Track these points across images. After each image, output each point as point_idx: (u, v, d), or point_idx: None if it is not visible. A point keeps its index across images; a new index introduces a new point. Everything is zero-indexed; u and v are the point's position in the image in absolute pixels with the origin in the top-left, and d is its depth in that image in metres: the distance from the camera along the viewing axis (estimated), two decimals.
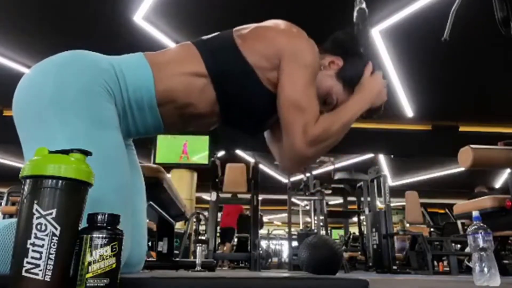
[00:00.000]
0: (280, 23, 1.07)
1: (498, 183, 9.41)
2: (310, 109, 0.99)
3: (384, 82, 1.14)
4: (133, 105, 0.97)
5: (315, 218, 6.18)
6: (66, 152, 0.60)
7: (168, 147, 6.94)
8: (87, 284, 0.55)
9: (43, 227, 0.54)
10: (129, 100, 0.96)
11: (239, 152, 8.27)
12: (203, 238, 4.42)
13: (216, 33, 1.09)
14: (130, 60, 1.00)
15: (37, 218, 0.54)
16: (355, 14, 1.25)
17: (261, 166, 5.78)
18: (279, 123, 1.11)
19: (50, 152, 0.60)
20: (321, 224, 5.98)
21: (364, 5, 1.26)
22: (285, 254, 10.35)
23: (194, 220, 4.90)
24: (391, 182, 9.79)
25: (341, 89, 1.12)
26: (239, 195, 5.38)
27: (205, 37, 1.08)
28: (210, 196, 4.85)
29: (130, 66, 0.98)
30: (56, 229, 0.55)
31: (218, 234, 6.54)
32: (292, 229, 5.39)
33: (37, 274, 0.53)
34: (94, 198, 0.77)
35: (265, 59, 1.01)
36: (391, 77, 5.60)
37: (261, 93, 1.03)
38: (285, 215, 6.54)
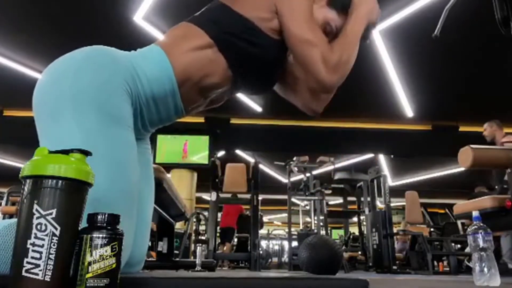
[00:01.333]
0: None
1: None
2: (320, 39, 1.02)
3: None
4: (156, 95, 0.98)
5: (315, 218, 6.18)
6: (66, 152, 0.60)
7: (168, 147, 6.95)
8: (87, 284, 0.55)
9: (43, 227, 0.54)
10: (152, 90, 0.97)
11: (239, 152, 8.27)
12: (203, 238, 4.42)
13: (204, 8, 1.11)
14: (145, 51, 1.02)
15: (37, 218, 0.54)
16: None
17: (261, 166, 5.78)
18: (287, 71, 1.16)
19: (50, 152, 0.60)
20: (321, 224, 5.98)
21: None
22: (285, 254, 10.35)
23: (194, 220, 4.90)
24: (391, 182, 9.79)
25: (336, 16, 1.14)
26: (239, 195, 5.38)
27: (196, 14, 1.10)
28: (210, 196, 4.85)
29: (147, 56, 0.99)
30: (56, 229, 0.55)
31: (218, 234, 6.54)
32: (292, 229, 5.39)
33: (37, 274, 0.53)
34: (102, 196, 0.77)
35: (262, 10, 1.04)
36: (391, 77, 5.60)
37: (268, 43, 1.05)
38: (285, 215, 6.55)
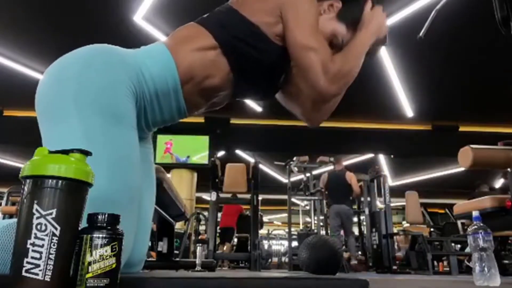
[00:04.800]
0: None
1: (498, 183, 9.41)
2: (322, 48, 1.02)
3: (384, 14, 1.16)
4: (159, 92, 0.98)
5: (315, 218, 6.18)
6: (66, 152, 0.60)
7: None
8: (87, 284, 0.55)
9: (43, 227, 0.54)
10: (156, 88, 0.97)
11: (239, 152, 8.27)
12: (203, 238, 4.42)
13: (213, 10, 1.11)
14: (149, 48, 1.02)
15: (37, 218, 0.54)
16: None
17: (261, 166, 5.78)
18: (289, 78, 1.15)
19: (50, 152, 0.60)
20: (321, 224, 5.98)
21: None
22: (285, 254, 10.35)
23: (194, 220, 4.90)
24: (391, 182, 9.79)
25: (344, 29, 1.13)
26: (239, 195, 5.38)
27: (205, 15, 1.10)
28: (210, 196, 4.85)
29: (152, 54, 0.99)
30: (56, 229, 0.55)
31: (218, 234, 6.54)
32: (292, 229, 5.39)
33: (37, 274, 0.53)
34: (103, 196, 0.77)
35: (267, 14, 1.04)
36: (391, 77, 5.61)
37: (271, 49, 1.05)
38: (285, 215, 6.55)
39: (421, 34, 1.57)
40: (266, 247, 10.14)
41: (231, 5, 1.07)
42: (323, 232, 5.87)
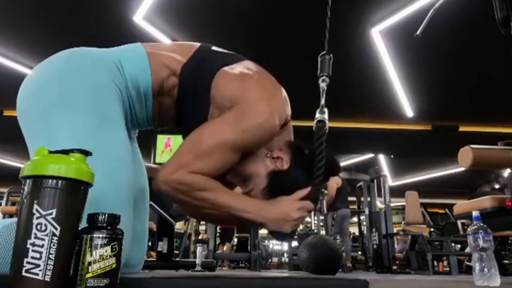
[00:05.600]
0: (263, 82, 0.98)
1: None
2: (205, 161, 0.87)
3: (301, 215, 0.96)
4: (133, 93, 0.98)
5: (315, 218, 6.17)
6: (66, 152, 0.60)
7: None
8: (87, 284, 0.55)
9: (43, 227, 0.54)
10: (130, 88, 0.97)
11: None
12: (203, 238, 4.42)
13: (219, 51, 1.06)
14: (128, 48, 1.01)
15: (37, 218, 0.54)
16: (314, 126, 1.09)
17: None
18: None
19: (50, 152, 0.60)
20: (321, 224, 5.98)
21: (324, 117, 1.09)
22: (285, 254, 10.34)
23: (194, 220, 4.89)
24: (391, 182, 9.79)
25: (263, 185, 0.97)
26: None
27: (213, 48, 1.07)
28: None
29: (129, 55, 0.99)
30: (56, 229, 0.55)
31: (218, 234, 6.54)
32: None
33: (37, 274, 0.53)
34: (96, 197, 0.77)
35: (223, 100, 0.94)
36: (391, 77, 5.60)
37: (200, 122, 0.95)
38: None
39: (418, 32, 1.57)
40: (265, 247, 10.14)
41: (217, 71, 0.98)
42: (323, 232, 5.86)
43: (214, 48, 1.07)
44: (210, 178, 0.89)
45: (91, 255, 0.56)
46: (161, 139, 6.99)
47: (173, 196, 0.90)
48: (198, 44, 1.06)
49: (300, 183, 0.97)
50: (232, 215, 0.91)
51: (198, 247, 2.72)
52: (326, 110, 1.09)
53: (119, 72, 0.95)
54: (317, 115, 1.08)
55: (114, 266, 0.57)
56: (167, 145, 7.03)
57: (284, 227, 0.95)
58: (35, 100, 0.88)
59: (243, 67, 1.00)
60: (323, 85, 1.13)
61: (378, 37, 4.70)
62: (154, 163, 6.44)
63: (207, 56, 1.03)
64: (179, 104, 1.02)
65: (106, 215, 0.59)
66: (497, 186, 4.64)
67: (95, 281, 0.55)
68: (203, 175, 0.88)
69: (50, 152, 0.60)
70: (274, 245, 12.06)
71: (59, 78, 0.89)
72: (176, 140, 7.02)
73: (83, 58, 0.94)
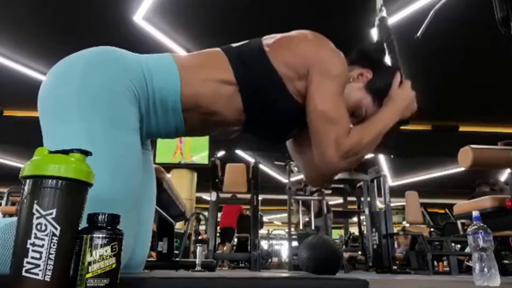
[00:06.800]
0: (307, 33, 1.05)
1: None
2: (341, 121, 0.97)
3: (413, 92, 1.11)
4: (158, 106, 0.96)
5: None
6: (66, 152, 0.60)
7: (166, 147, 6.95)
8: (87, 284, 0.55)
9: (43, 227, 0.54)
10: (154, 100, 0.96)
11: (239, 152, 8.27)
12: (203, 238, 4.41)
13: (245, 41, 1.08)
14: (159, 60, 0.99)
15: (37, 218, 0.54)
16: (376, 22, 1.26)
17: (261, 166, 5.77)
18: (303, 134, 1.10)
19: (50, 152, 0.60)
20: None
21: (385, 13, 1.26)
22: (285, 254, 10.35)
23: (194, 220, 4.89)
24: (391, 182, 9.79)
25: (370, 101, 1.10)
26: (239, 195, 5.37)
27: (234, 45, 1.07)
28: (210, 196, 4.84)
29: (159, 67, 0.97)
30: (56, 229, 0.55)
31: (218, 234, 6.54)
32: (292, 229, 5.39)
33: (37, 274, 0.53)
34: (104, 197, 0.77)
35: (293, 69, 1.00)
36: None
37: (289, 104, 1.01)
38: (285, 215, 6.54)
39: (418, 34, 1.58)
40: (266, 247, 10.14)
41: (263, 45, 1.02)
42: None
43: (232, 44, 1.08)
44: (353, 127, 1.02)
45: (91, 255, 0.56)
46: (161, 139, 6.99)
47: (354, 163, 1.01)
48: (217, 49, 1.05)
49: (390, 73, 1.12)
50: (383, 133, 1.05)
51: (198, 247, 2.72)
52: (384, 9, 1.30)
53: (144, 77, 0.94)
54: (378, 14, 1.29)
55: (114, 266, 0.57)
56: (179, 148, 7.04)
57: (413, 107, 1.12)
58: (57, 92, 0.88)
59: (276, 36, 1.06)
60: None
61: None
62: (154, 163, 6.44)
63: (236, 50, 1.04)
64: (250, 106, 1.01)
65: (106, 215, 0.59)
66: (495, 188, 4.64)
67: (95, 281, 0.55)
68: (349, 131, 0.98)
69: (50, 152, 0.59)
70: (274, 245, 12.07)
71: (82, 74, 0.88)
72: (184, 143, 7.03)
73: (110, 58, 0.93)
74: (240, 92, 0.99)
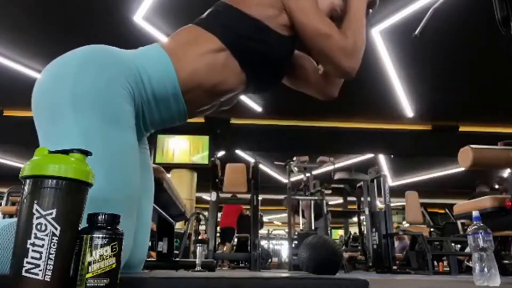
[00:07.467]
0: None
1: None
2: (332, 30, 1.04)
3: None
4: (157, 96, 0.97)
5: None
6: (66, 152, 0.60)
7: (165, 147, 6.97)
8: (87, 284, 0.55)
9: (43, 227, 0.54)
10: (153, 92, 0.96)
11: (239, 152, 8.27)
12: (203, 238, 4.41)
13: (210, 9, 1.10)
14: (148, 52, 1.00)
15: (37, 218, 0.54)
16: None
17: (261, 166, 5.77)
18: (297, 65, 1.20)
19: (50, 152, 0.60)
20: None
21: None
22: (285, 254, 10.35)
23: (194, 220, 4.89)
24: (391, 182, 9.79)
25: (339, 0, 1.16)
26: (239, 195, 5.37)
27: (203, 16, 1.09)
28: (210, 196, 4.84)
29: (150, 59, 0.98)
30: (56, 229, 0.55)
31: (218, 234, 6.54)
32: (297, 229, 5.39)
33: (37, 274, 0.53)
34: (101, 196, 0.76)
35: (269, 7, 1.04)
36: (391, 77, 5.61)
37: (278, 41, 1.05)
38: (285, 215, 6.55)
39: (416, 32, 1.57)
40: (266, 247, 10.15)
41: (227, 2, 1.06)
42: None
43: (200, 17, 1.10)
44: (342, 29, 1.07)
45: (91, 255, 0.56)
46: (161, 139, 7.00)
47: (361, 54, 1.09)
48: (190, 25, 1.08)
49: None
50: (364, 18, 1.12)
51: (198, 247, 2.72)
52: None
53: (138, 73, 0.94)
54: None
55: (114, 266, 0.57)
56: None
57: None
58: (50, 92, 0.88)
59: None
60: None
61: (378, 37, 4.70)
62: (154, 163, 6.44)
63: (209, 19, 1.06)
64: (246, 62, 1.04)
65: (106, 215, 0.59)
66: (496, 186, 4.63)
67: (95, 281, 0.55)
68: (343, 34, 1.05)
69: (50, 152, 0.59)
70: (274, 245, 12.07)
71: (76, 74, 0.88)
72: (174, 140, 7.03)
73: (102, 56, 0.93)
74: (232, 54, 1.01)
